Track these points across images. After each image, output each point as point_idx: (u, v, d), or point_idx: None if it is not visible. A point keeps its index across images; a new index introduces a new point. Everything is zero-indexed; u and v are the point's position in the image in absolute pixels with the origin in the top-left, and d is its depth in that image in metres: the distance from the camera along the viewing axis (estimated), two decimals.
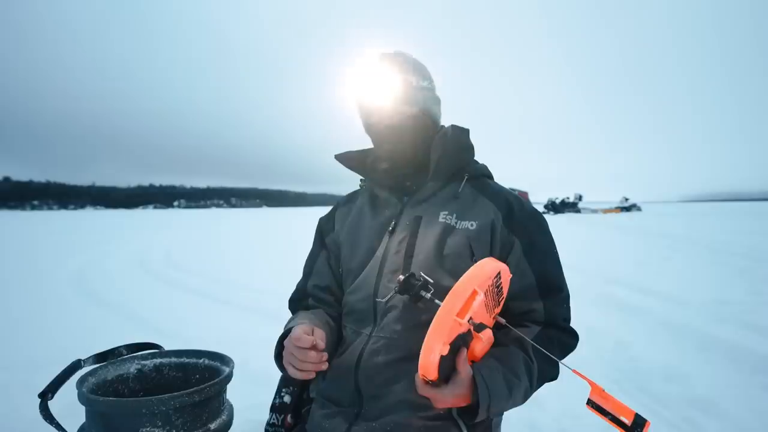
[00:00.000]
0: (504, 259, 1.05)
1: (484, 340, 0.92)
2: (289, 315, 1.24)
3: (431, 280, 0.93)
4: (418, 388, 0.87)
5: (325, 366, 0.97)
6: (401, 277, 0.95)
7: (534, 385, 1.00)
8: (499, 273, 0.90)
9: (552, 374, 1.04)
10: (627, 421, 0.77)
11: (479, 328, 0.87)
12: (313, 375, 0.96)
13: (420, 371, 0.83)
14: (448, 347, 0.81)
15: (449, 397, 0.87)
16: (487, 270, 0.86)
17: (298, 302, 1.25)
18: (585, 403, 0.81)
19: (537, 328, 1.04)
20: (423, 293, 0.92)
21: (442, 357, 0.81)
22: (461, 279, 0.84)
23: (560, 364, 0.98)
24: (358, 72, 1.14)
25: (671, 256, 9.59)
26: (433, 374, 0.82)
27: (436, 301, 0.88)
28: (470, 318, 0.84)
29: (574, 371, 0.86)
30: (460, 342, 0.87)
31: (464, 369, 0.87)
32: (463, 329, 0.85)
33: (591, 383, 0.81)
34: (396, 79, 1.10)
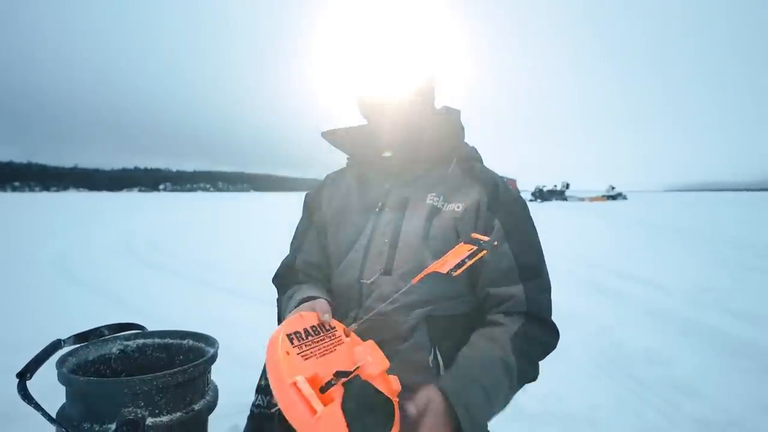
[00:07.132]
0: None
1: (368, 362, 0.81)
2: (274, 292, 1.22)
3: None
4: None
5: None
6: None
7: (515, 387, 0.96)
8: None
9: (532, 375, 1.01)
10: (474, 247, 0.84)
11: (339, 375, 0.76)
12: None
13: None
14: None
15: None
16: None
17: (286, 278, 1.21)
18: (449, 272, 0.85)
19: (515, 325, 1.00)
20: None
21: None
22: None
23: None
24: (368, 54, 1.07)
25: (655, 244, 9.73)
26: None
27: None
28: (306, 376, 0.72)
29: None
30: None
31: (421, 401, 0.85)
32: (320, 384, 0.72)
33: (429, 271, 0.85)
34: (415, 77, 1.07)
